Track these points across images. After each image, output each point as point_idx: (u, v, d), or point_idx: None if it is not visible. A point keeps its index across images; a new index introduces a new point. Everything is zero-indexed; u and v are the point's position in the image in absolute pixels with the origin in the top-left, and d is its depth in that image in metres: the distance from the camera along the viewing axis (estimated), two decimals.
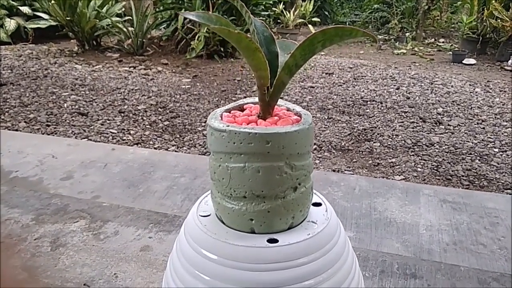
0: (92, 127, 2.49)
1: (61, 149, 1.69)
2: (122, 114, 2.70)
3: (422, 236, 1.10)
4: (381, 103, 3.00)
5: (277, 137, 0.45)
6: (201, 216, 0.52)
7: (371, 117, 2.73)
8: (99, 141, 2.24)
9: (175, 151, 2.14)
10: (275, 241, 0.47)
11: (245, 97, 2.97)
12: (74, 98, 2.95)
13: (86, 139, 2.25)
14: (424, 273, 0.82)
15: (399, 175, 1.98)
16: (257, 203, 0.47)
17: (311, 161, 0.50)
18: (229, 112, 0.52)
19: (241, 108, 0.54)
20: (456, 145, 2.34)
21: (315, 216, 0.51)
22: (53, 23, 4.25)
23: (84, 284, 0.77)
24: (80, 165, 1.53)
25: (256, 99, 0.54)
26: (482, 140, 2.42)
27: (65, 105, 2.82)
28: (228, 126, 0.46)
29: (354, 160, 2.16)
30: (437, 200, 1.28)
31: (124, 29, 4.10)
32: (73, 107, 2.77)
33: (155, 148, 2.22)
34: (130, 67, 3.84)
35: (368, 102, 3.01)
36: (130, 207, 1.04)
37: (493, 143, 2.37)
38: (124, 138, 2.34)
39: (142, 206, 1.21)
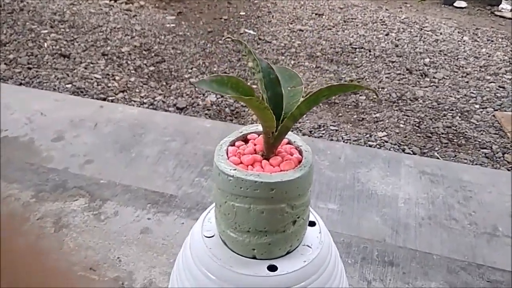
0: (75, 71, 2.43)
1: (49, 105, 1.67)
2: (106, 57, 2.62)
3: (400, 210, 1.18)
4: (370, 51, 2.98)
5: (281, 184, 0.48)
6: (206, 237, 0.56)
7: (358, 67, 2.73)
8: (83, 88, 2.20)
9: (162, 100, 2.13)
10: (275, 268, 0.52)
11: (233, 45, 2.91)
12: (54, 37, 2.84)
13: (70, 85, 2.21)
14: (400, 261, 0.91)
15: (382, 131, 2.04)
16: (260, 237, 0.51)
17: (310, 195, 0.54)
18: (234, 145, 0.55)
19: (245, 139, 0.56)
20: (439, 100, 2.38)
21: (310, 239, 0.56)
22: None
23: (90, 268, 0.83)
24: (70, 124, 1.54)
25: (259, 128, 0.56)
26: (465, 95, 2.46)
27: (45, 44, 2.72)
28: (235, 170, 0.49)
29: (340, 114, 2.20)
30: (417, 171, 1.35)
31: None
32: (53, 47, 2.67)
33: (141, 97, 2.21)
34: (110, 0, 3.65)
35: (357, 50, 2.98)
36: (127, 185, 1.08)
37: (475, 98, 2.42)
38: (110, 85, 2.30)
39: (136, 172, 1.25)
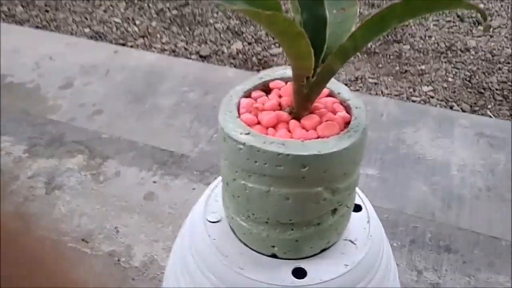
0: (94, 14, 2.28)
1: (59, 49, 1.54)
2: (126, 0, 2.45)
3: (454, 178, 1.00)
4: None
5: (318, 159, 0.31)
6: (210, 222, 0.41)
7: None
8: (101, 32, 2.06)
9: (185, 47, 1.97)
10: (303, 273, 0.37)
11: None
12: None
13: (88, 29, 2.07)
14: (459, 246, 0.74)
15: (427, 86, 1.83)
16: (282, 231, 0.36)
17: (359, 172, 0.37)
18: (250, 97, 0.38)
19: (266, 88, 0.39)
20: (494, 51, 2.12)
21: (354, 231, 0.40)
22: None
23: (82, 240, 0.71)
24: (80, 70, 1.40)
25: (287, 73, 0.39)
26: None
27: None
28: (248, 134, 0.32)
29: (380, 65, 1.98)
30: (473, 133, 1.16)
31: None
32: None
33: (162, 43, 2.05)
34: None
35: None
36: (132, 141, 0.93)
37: None
38: (129, 29, 2.15)
39: (147, 126, 1.11)
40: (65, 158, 0.87)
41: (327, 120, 0.34)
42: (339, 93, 0.38)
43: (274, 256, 0.38)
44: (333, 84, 0.38)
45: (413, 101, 1.63)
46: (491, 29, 2.33)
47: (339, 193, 0.34)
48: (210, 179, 0.85)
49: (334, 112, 0.36)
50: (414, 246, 0.73)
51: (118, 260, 0.69)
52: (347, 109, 0.37)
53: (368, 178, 1.00)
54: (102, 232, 0.73)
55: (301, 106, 0.34)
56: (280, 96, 0.37)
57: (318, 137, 0.33)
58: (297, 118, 0.35)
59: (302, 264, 0.37)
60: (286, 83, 0.39)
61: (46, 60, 1.46)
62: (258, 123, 0.35)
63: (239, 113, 0.36)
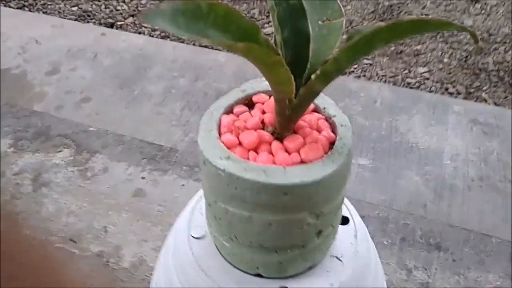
0: None
1: (45, 31, 1.49)
2: None
3: (446, 168, 1.00)
4: None
5: (300, 188, 0.30)
6: (193, 237, 0.40)
7: None
8: (90, 11, 2.01)
9: None
10: None
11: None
12: None
13: (76, 8, 2.02)
14: (450, 244, 0.73)
15: (423, 66, 1.80)
16: (266, 254, 0.35)
17: (344, 193, 0.36)
18: (232, 113, 0.36)
19: (249, 103, 0.37)
20: (491, 30, 2.08)
21: (340, 246, 0.39)
22: None
23: (70, 240, 0.70)
24: (67, 54, 1.37)
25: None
26: None
27: None
28: (228, 159, 0.31)
29: None
30: (467, 120, 1.14)
31: None
32: None
33: None
34: None
35: None
36: (120, 135, 0.91)
37: None
38: (118, 8, 2.09)
39: (138, 112, 1.09)
40: (52, 152, 0.85)
41: (311, 142, 0.33)
42: (324, 108, 0.36)
43: (259, 275, 0.37)
44: (319, 99, 0.37)
45: (408, 83, 1.61)
46: (488, 7, 2.29)
47: (324, 216, 0.33)
48: (200, 175, 0.84)
49: (319, 131, 0.34)
50: (404, 244, 0.73)
51: (107, 261, 0.68)
52: (332, 126, 0.35)
53: (360, 168, 0.99)
54: (90, 232, 0.72)
55: (284, 127, 0.33)
56: (263, 112, 0.36)
57: (301, 161, 0.32)
58: (280, 138, 0.33)
59: (288, 283, 0.37)
60: (270, 97, 0.37)
61: (32, 43, 1.42)
62: (239, 144, 0.33)
63: (219, 133, 0.34)
